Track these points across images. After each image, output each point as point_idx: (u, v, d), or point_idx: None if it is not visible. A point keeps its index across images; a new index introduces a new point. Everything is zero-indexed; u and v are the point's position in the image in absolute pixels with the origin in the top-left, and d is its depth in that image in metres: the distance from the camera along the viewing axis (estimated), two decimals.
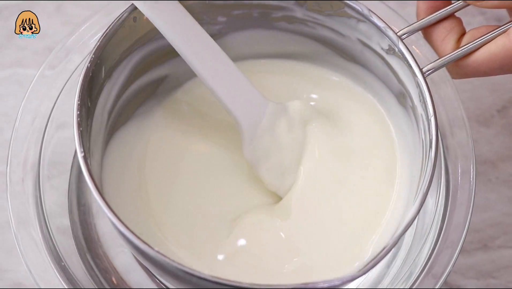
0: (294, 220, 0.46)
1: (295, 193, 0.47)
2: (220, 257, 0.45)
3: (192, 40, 0.45)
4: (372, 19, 0.45)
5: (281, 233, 0.46)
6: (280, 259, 0.45)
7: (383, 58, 0.46)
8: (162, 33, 0.44)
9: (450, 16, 0.45)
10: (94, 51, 0.42)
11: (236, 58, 0.48)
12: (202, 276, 0.37)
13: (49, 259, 0.46)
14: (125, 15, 0.44)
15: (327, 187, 0.48)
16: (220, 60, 0.46)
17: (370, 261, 0.39)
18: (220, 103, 0.46)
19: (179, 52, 0.45)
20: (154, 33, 0.46)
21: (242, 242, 0.46)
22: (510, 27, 0.43)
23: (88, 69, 0.42)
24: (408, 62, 0.44)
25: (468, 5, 0.45)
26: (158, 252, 0.38)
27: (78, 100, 0.41)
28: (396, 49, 0.44)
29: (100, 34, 0.43)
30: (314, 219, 0.47)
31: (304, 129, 0.48)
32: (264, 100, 0.47)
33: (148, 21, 0.45)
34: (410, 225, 0.40)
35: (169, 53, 0.48)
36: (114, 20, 0.43)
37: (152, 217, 0.46)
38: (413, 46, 0.50)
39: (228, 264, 0.45)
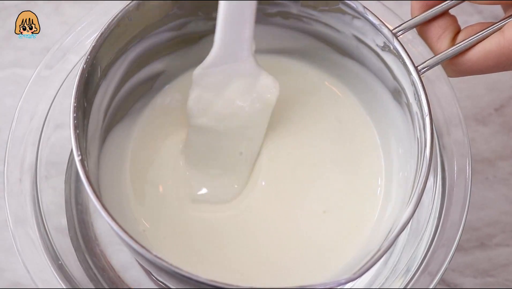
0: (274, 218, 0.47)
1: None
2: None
3: None
4: (367, 16, 0.44)
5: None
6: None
7: (378, 55, 0.46)
8: None
9: (445, 14, 0.45)
10: (89, 51, 0.42)
11: None
12: (200, 280, 0.38)
13: (46, 258, 0.46)
14: (120, 14, 0.44)
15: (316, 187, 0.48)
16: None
17: (366, 263, 0.39)
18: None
19: None
20: (149, 30, 0.46)
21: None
22: (504, 24, 0.43)
23: (84, 69, 0.42)
24: (403, 59, 0.44)
25: (461, 2, 0.45)
26: (155, 256, 0.38)
27: (75, 102, 0.41)
28: (391, 46, 0.44)
29: (96, 34, 0.43)
30: (301, 218, 0.47)
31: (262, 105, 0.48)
32: (249, 53, 0.46)
33: (143, 19, 0.45)
34: (406, 225, 0.40)
35: (164, 49, 0.48)
36: (110, 19, 0.43)
37: (147, 211, 0.47)
38: (409, 45, 0.50)
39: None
